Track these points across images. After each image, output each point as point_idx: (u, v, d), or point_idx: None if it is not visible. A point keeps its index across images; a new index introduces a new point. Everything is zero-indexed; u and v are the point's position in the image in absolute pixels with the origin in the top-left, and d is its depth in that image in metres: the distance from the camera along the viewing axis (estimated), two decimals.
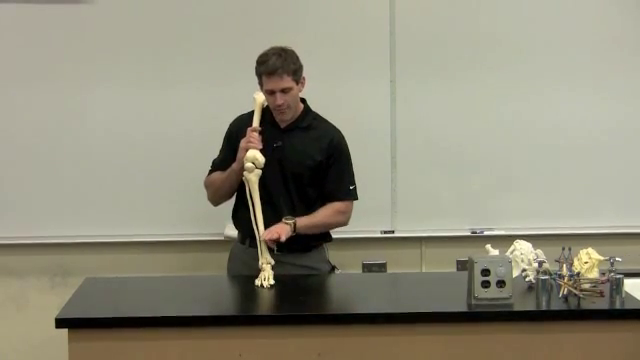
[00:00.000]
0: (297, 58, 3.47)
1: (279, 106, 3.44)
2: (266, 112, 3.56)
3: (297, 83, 3.46)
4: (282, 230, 3.38)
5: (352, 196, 3.59)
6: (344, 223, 3.62)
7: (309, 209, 3.53)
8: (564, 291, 2.95)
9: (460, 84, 4.20)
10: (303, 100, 3.61)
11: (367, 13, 4.18)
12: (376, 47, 4.17)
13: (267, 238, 3.34)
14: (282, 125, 3.55)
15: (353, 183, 3.60)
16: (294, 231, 3.42)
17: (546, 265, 3.07)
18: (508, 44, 4.20)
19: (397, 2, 4.16)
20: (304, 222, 3.46)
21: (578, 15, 4.22)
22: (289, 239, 3.46)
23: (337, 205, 3.57)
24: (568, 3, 4.23)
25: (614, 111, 4.24)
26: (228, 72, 4.09)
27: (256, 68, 3.46)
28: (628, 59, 4.24)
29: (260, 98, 3.54)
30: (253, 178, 3.40)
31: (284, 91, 3.42)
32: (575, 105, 4.23)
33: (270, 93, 3.44)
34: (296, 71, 3.44)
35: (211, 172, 3.64)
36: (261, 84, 3.47)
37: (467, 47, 4.19)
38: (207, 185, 3.65)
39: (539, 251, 3.15)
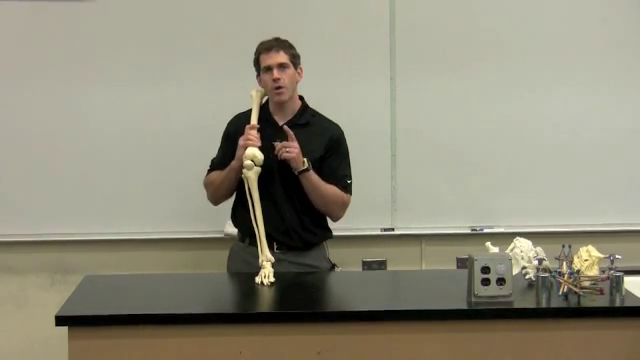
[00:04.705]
0: (294, 48, 3.53)
1: (276, 81, 3.45)
2: (264, 110, 3.56)
3: (295, 67, 3.51)
4: (297, 151, 3.39)
5: (348, 190, 3.58)
6: (339, 213, 3.59)
7: (309, 207, 3.52)
8: (564, 289, 2.95)
9: (460, 82, 4.20)
10: (301, 97, 3.61)
11: (367, 12, 4.18)
12: (376, 45, 4.17)
13: (280, 147, 3.38)
14: (280, 123, 3.55)
15: (350, 178, 3.59)
16: (305, 169, 3.41)
17: (546, 263, 3.07)
18: (508, 43, 4.20)
19: (397, 1, 4.16)
20: (315, 176, 3.46)
21: (578, 15, 4.23)
22: (289, 237, 3.50)
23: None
24: (568, 3, 4.23)
25: (614, 110, 4.25)
26: (228, 71, 4.09)
27: (254, 54, 3.53)
28: (628, 59, 4.24)
29: (258, 96, 3.54)
30: (252, 176, 3.39)
31: (281, 67, 3.46)
32: (575, 103, 4.23)
33: (267, 70, 3.47)
34: (294, 55, 3.52)
35: (210, 172, 3.64)
36: (259, 69, 3.51)
37: (467, 46, 4.19)
38: (206, 185, 3.65)
39: (539, 249, 3.15)
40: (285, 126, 3.43)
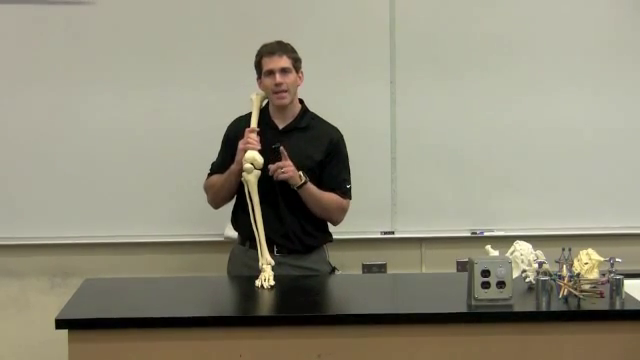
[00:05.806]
0: (296, 52, 3.53)
1: (278, 85, 3.45)
2: (264, 113, 3.56)
3: (296, 71, 3.51)
4: (292, 169, 3.39)
5: (348, 195, 3.58)
6: (339, 218, 3.59)
7: (309, 210, 3.52)
8: (564, 292, 2.95)
9: (460, 85, 4.20)
10: (301, 101, 3.61)
11: (367, 13, 4.18)
12: (376, 48, 4.17)
13: (274, 169, 3.37)
14: (280, 126, 3.55)
15: (349, 183, 3.59)
16: (303, 182, 3.41)
17: (546, 266, 3.07)
18: (508, 45, 4.20)
19: (397, 2, 4.16)
20: (313, 187, 3.45)
21: (578, 17, 4.23)
22: (289, 240, 3.49)
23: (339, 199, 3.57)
24: (568, 5, 4.24)
25: (614, 111, 4.25)
26: (228, 73, 4.09)
27: (256, 57, 3.53)
28: (628, 60, 4.25)
29: (258, 99, 3.54)
30: (252, 179, 3.39)
31: (284, 71, 3.46)
32: (575, 106, 4.24)
33: (269, 74, 3.47)
34: (296, 59, 3.52)
35: (210, 175, 3.64)
36: (260, 72, 3.51)
37: (467, 48, 4.19)
38: (207, 188, 3.65)
39: (539, 252, 3.15)
40: (281, 147, 3.41)
